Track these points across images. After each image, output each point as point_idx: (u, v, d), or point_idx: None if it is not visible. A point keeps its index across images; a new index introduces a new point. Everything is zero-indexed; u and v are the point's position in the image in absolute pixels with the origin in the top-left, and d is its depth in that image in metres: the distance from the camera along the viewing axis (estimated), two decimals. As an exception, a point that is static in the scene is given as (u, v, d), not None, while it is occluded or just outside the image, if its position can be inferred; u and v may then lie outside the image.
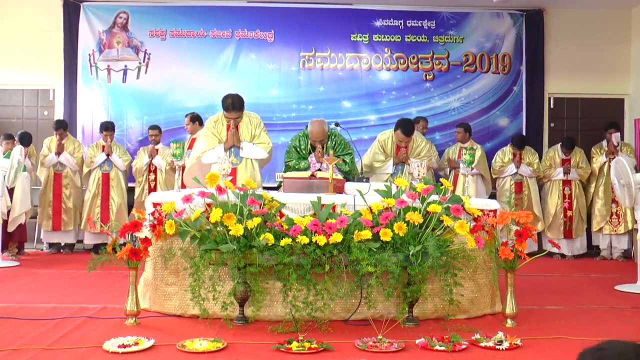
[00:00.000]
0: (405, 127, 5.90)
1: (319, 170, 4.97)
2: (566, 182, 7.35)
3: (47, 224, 7.22)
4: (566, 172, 7.30)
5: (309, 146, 5.29)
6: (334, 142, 5.28)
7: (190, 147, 7.05)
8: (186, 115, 7.33)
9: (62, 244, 7.38)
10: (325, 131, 5.23)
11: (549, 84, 8.19)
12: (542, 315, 4.06)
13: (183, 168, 6.79)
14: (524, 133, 7.95)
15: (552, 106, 8.26)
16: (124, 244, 3.61)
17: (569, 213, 7.32)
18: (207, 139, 5.16)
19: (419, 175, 4.24)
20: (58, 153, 7.20)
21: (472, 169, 7.11)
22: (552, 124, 8.18)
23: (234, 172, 4.93)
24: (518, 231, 3.73)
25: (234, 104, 5.03)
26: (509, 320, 3.76)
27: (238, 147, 5.10)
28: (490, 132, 8.00)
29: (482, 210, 3.90)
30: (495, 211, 4.01)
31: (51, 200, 7.22)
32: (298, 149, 5.33)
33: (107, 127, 7.31)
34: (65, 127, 7.30)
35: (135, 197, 7.41)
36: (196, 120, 7.26)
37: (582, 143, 7.63)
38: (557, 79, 8.18)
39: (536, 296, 4.75)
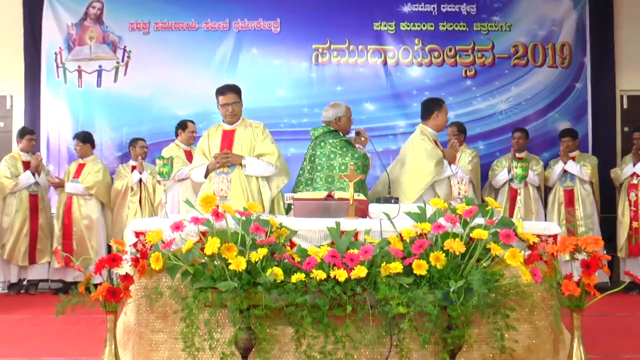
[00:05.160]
0: None
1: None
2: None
3: (23, 258, 7.24)
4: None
5: None
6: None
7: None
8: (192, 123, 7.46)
9: (25, 282, 7.44)
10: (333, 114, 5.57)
11: (620, 80, 8.20)
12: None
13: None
14: (590, 138, 8.02)
15: (625, 106, 8.25)
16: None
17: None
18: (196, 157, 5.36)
19: (459, 193, 4.25)
20: (35, 171, 7.29)
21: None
22: (625, 128, 8.15)
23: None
24: (585, 261, 3.72)
25: (227, 86, 5.28)
26: (576, 373, 3.74)
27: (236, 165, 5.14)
28: (548, 140, 7.98)
29: (538, 236, 3.90)
30: (555, 236, 4.00)
31: (28, 228, 7.27)
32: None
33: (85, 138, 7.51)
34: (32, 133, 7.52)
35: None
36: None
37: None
38: (631, 73, 8.20)
39: (610, 341, 4.71)
